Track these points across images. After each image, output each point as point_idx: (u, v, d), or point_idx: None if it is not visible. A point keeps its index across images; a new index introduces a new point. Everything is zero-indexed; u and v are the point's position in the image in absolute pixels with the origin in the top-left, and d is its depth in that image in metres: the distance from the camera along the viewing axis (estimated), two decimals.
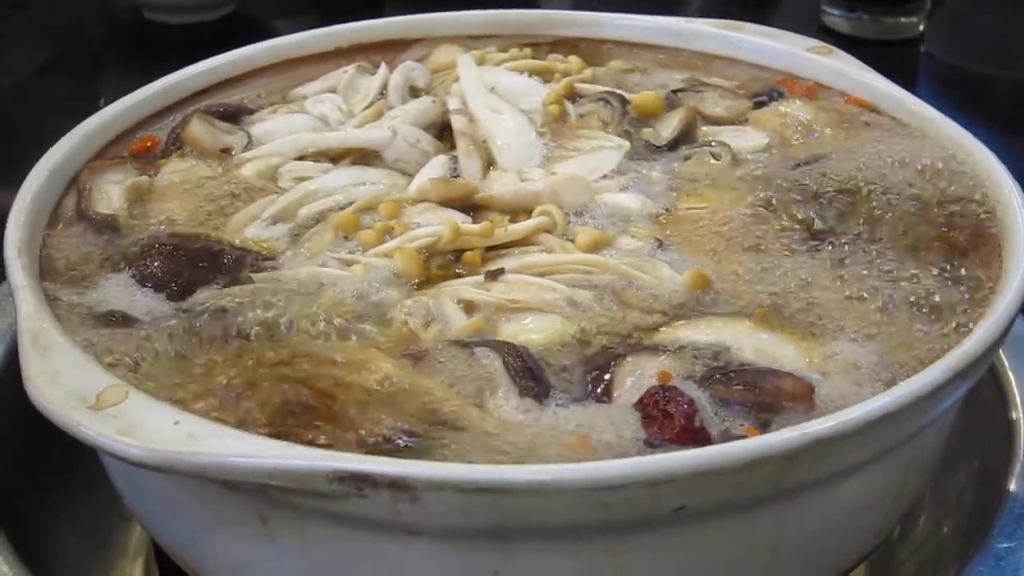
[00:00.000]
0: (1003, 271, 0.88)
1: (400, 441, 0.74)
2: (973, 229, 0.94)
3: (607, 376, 0.80)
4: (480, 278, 0.91)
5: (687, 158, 1.08)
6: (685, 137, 1.11)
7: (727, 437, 0.75)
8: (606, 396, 0.79)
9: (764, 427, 0.75)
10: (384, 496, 0.66)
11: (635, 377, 0.80)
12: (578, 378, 0.81)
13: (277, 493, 0.69)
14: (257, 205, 1.01)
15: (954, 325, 0.85)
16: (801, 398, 0.78)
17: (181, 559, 0.87)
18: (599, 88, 1.21)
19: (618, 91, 1.19)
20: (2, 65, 2.21)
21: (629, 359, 0.81)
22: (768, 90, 1.21)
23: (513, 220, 0.99)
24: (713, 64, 1.30)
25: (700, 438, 0.75)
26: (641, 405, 0.77)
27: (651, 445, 0.74)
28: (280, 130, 1.14)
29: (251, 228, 0.99)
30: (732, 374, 0.80)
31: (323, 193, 1.02)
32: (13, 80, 2.16)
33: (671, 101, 1.18)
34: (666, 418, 0.75)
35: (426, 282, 0.91)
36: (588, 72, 1.27)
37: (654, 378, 0.80)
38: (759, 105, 1.18)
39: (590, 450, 0.74)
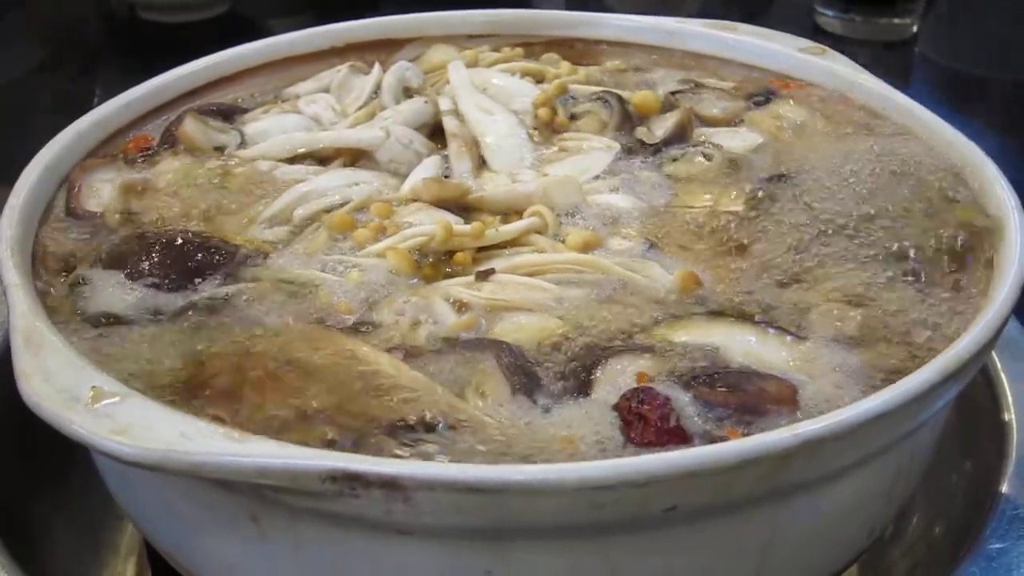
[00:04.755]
0: (995, 272, 0.88)
1: (393, 439, 0.74)
2: (965, 230, 0.95)
3: (593, 376, 0.80)
4: (471, 278, 0.91)
5: (679, 158, 1.08)
6: (678, 137, 1.11)
7: (709, 438, 0.75)
8: (593, 396, 0.79)
9: (747, 429, 0.75)
10: (376, 496, 0.66)
11: (621, 377, 0.80)
12: (567, 377, 0.81)
13: (269, 492, 0.69)
14: (253, 208, 1.01)
15: (945, 327, 0.85)
16: (785, 400, 0.77)
17: (173, 559, 0.87)
18: (597, 88, 1.22)
19: (616, 91, 1.19)
20: None
21: (615, 359, 0.81)
22: (764, 91, 1.21)
23: (504, 221, 0.99)
24: (707, 64, 1.30)
25: (678, 438, 0.75)
26: (618, 408, 0.77)
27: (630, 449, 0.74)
28: (273, 129, 1.14)
29: (249, 230, 0.99)
30: (716, 375, 0.79)
31: (317, 194, 1.02)
32: (8, 78, 2.16)
33: (668, 102, 1.18)
34: (641, 422, 0.75)
35: (419, 282, 0.92)
36: (581, 73, 1.27)
37: (636, 378, 0.80)
38: (756, 106, 1.19)
39: (580, 449, 0.74)
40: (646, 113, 1.16)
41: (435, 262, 0.94)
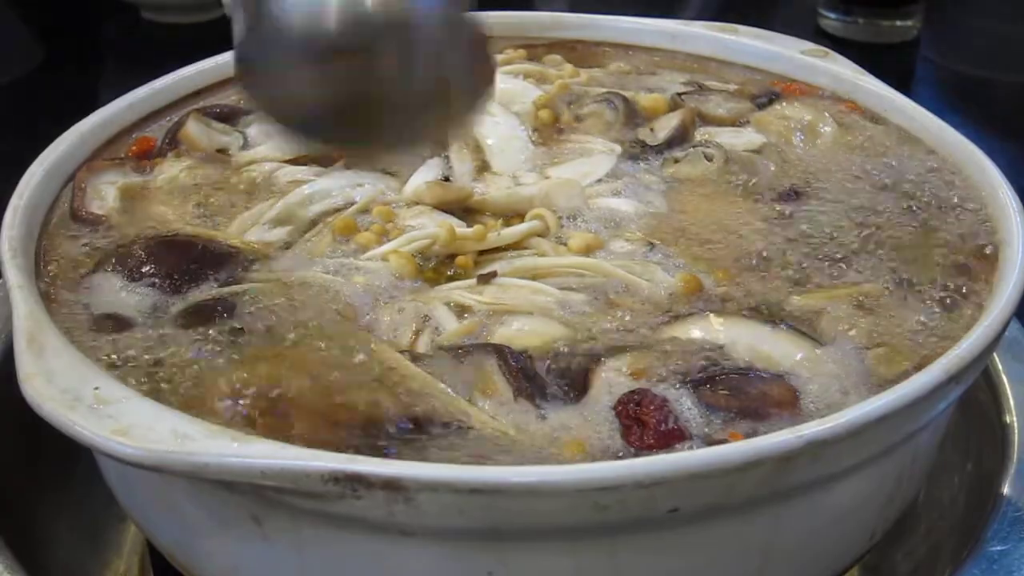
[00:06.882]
0: (997, 274, 0.88)
1: (397, 439, 0.74)
2: (968, 233, 0.95)
3: (595, 378, 0.80)
4: (473, 281, 0.91)
5: (681, 160, 1.08)
6: (680, 138, 1.11)
7: (710, 442, 0.75)
8: (595, 398, 0.79)
9: (749, 432, 0.75)
10: (378, 497, 0.66)
11: (621, 380, 0.80)
12: (569, 380, 0.80)
13: (271, 493, 0.69)
14: (256, 210, 1.01)
15: (947, 329, 0.85)
16: (787, 404, 0.77)
17: (175, 559, 0.87)
18: (601, 89, 1.21)
19: (621, 92, 1.19)
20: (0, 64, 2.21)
21: (617, 362, 0.81)
22: (767, 92, 1.21)
23: (506, 223, 0.99)
24: (709, 67, 1.30)
25: (676, 439, 0.75)
26: (616, 412, 0.77)
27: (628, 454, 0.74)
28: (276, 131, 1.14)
29: (252, 232, 0.99)
30: (718, 378, 0.79)
31: (320, 196, 1.02)
32: (11, 79, 2.16)
33: (674, 103, 1.18)
34: (639, 426, 0.75)
35: (422, 284, 0.91)
36: (584, 76, 1.27)
37: (635, 380, 0.80)
38: (760, 108, 1.19)
39: (584, 451, 0.74)
40: (653, 116, 1.16)
41: (437, 265, 0.94)
